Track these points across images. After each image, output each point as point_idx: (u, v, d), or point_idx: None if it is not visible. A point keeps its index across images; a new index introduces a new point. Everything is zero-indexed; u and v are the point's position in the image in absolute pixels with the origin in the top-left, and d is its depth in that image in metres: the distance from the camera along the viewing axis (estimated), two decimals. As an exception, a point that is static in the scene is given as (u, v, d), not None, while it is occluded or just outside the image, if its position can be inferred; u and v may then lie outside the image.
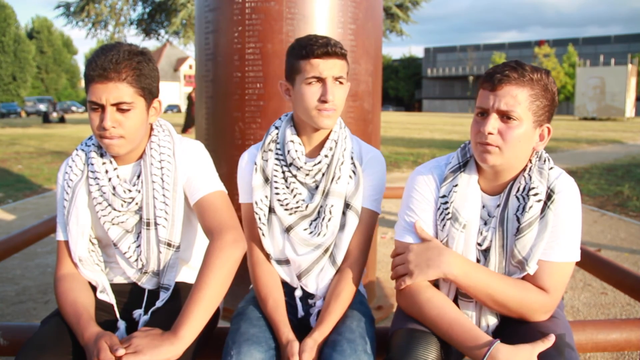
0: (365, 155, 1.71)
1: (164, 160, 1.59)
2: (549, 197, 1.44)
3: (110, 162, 1.59)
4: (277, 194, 1.64)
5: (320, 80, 1.56)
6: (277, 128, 1.71)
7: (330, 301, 1.58)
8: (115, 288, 1.66)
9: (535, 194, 1.44)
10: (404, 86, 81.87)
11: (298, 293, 1.69)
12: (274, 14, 2.75)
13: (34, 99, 46.98)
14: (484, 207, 1.53)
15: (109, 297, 1.61)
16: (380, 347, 1.55)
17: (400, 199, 1.72)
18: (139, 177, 1.59)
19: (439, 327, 1.41)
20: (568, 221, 1.44)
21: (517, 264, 1.46)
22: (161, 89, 1.64)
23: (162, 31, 17.26)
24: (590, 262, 2.51)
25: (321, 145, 1.66)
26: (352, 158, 1.68)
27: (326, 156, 1.63)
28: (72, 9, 15.66)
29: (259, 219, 1.66)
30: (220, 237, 1.48)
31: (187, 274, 1.74)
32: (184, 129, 17.33)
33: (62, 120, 30.07)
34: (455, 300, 1.53)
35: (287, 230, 1.66)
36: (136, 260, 1.60)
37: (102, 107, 1.47)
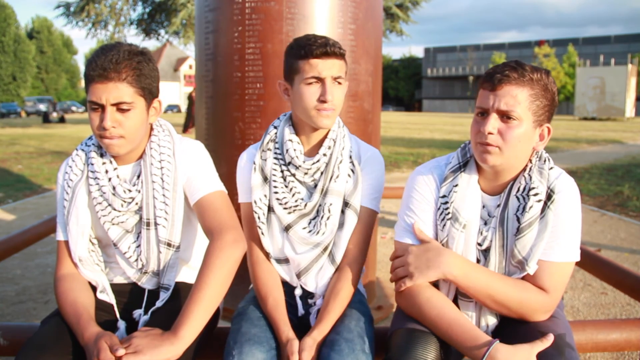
0: (363, 154, 1.72)
1: (164, 160, 1.59)
2: (549, 197, 1.44)
3: (110, 162, 1.59)
4: (276, 192, 1.65)
5: (320, 80, 1.57)
6: (275, 128, 1.72)
7: (329, 300, 1.58)
8: (115, 288, 1.66)
9: (536, 194, 1.44)
10: (404, 86, 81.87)
11: (298, 292, 1.69)
12: (274, 14, 2.75)
13: (34, 99, 46.99)
14: (484, 207, 1.53)
15: (109, 297, 1.61)
16: (379, 347, 1.55)
17: (400, 199, 1.72)
18: (139, 177, 1.59)
19: (438, 327, 1.41)
20: (568, 221, 1.44)
21: (517, 264, 1.46)
22: (161, 89, 1.64)
23: (162, 31, 17.26)
24: (590, 262, 2.51)
25: (319, 144, 1.67)
26: (350, 157, 1.68)
27: (324, 155, 1.64)
28: (72, 9, 15.66)
29: (258, 218, 1.66)
30: (220, 237, 1.48)
31: (187, 274, 1.74)
32: (185, 129, 17.33)
33: (62, 120, 30.07)
34: (455, 301, 1.53)
35: (286, 229, 1.66)
36: (136, 260, 1.60)
37: (102, 107, 1.47)
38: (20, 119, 37.37)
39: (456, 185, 1.52)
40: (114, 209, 1.58)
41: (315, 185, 1.65)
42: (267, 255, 1.70)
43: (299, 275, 1.67)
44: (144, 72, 1.50)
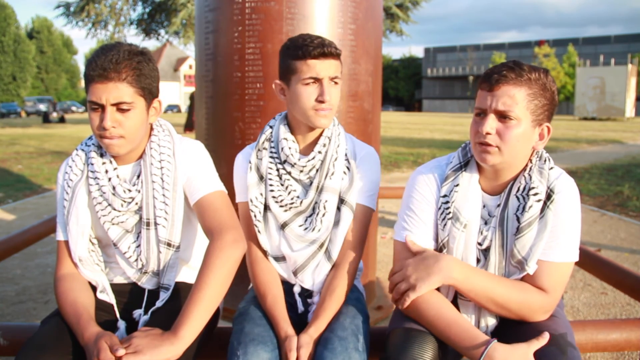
0: (359, 152, 1.73)
1: (163, 160, 1.59)
2: (548, 197, 1.44)
3: (110, 162, 1.59)
4: (272, 191, 1.66)
5: (317, 80, 1.58)
6: (271, 127, 1.74)
7: (325, 297, 1.59)
8: (115, 288, 1.66)
9: (535, 194, 1.44)
10: (404, 86, 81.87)
11: (297, 289, 1.71)
12: (274, 14, 2.75)
13: (34, 99, 46.99)
14: (484, 206, 1.53)
15: (109, 297, 1.61)
16: (378, 347, 1.55)
17: (400, 199, 1.72)
18: (138, 177, 1.60)
19: (436, 327, 1.41)
20: (567, 221, 1.44)
21: (517, 264, 1.46)
22: (161, 89, 1.64)
23: (162, 31, 17.25)
24: (590, 262, 2.51)
25: (315, 142, 1.68)
26: (346, 155, 1.69)
27: (319, 152, 1.65)
28: (72, 9, 15.65)
29: (255, 216, 1.68)
30: (220, 237, 1.48)
31: (187, 274, 1.74)
32: (185, 129, 17.34)
33: (62, 120, 30.07)
34: (455, 302, 1.53)
35: (283, 227, 1.67)
36: (136, 260, 1.60)
37: (102, 107, 1.47)
38: (20, 119, 37.37)
39: (457, 185, 1.52)
40: (114, 209, 1.58)
41: (311, 183, 1.66)
42: (265, 253, 1.71)
43: (295, 273, 1.68)
44: (144, 72, 1.50)
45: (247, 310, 1.63)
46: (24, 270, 4.27)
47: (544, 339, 1.34)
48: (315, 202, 1.66)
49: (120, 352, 1.29)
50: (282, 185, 1.67)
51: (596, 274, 2.50)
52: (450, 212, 1.51)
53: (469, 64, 71.84)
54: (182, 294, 1.65)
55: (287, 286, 1.72)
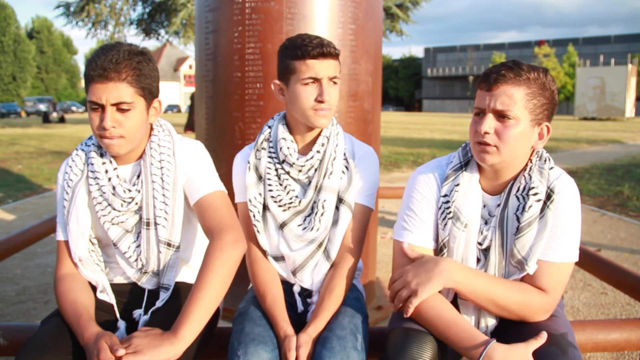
0: (357, 151, 1.73)
1: (163, 160, 1.59)
2: (548, 197, 1.44)
3: (110, 162, 1.59)
4: (271, 190, 1.66)
5: (316, 80, 1.58)
6: (269, 127, 1.74)
7: (324, 296, 1.59)
8: (115, 288, 1.66)
9: (535, 194, 1.44)
10: (404, 86, 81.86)
11: (296, 289, 1.71)
12: (274, 14, 2.75)
13: (34, 99, 46.99)
14: (484, 206, 1.53)
15: (109, 297, 1.61)
16: (378, 347, 1.55)
17: (400, 199, 1.72)
18: (138, 177, 1.60)
19: (435, 327, 1.40)
20: (567, 221, 1.44)
21: (517, 264, 1.46)
22: (161, 89, 1.64)
23: (162, 31, 17.25)
24: (590, 262, 2.51)
25: (313, 142, 1.69)
26: (344, 154, 1.70)
27: (318, 152, 1.65)
28: (72, 9, 15.65)
29: (254, 216, 1.68)
30: (220, 237, 1.48)
31: (187, 274, 1.74)
32: (186, 129, 17.34)
33: (62, 120, 30.08)
34: (455, 302, 1.53)
35: (281, 226, 1.67)
36: (136, 260, 1.60)
37: (102, 107, 1.47)
38: (20, 119, 37.38)
39: (457, 185, 1.52)
40: (114, 209, 1.58)
41: (310, 183, 1.66)
42: (264, 253, 1.72)
43: (294, 272, 1.69)
44: (144, 72, 1.50)
45: (247, 310, 1.63)
46: (24, 270, 4.27)
47: (542, 339, 1.34)
48: (314, 202, 1.66)
49: (120, 352, 1.29)
50: (280, 185, 1.67)
51: (596, 274, 2.50)
52: (450, 212, 1.51)
53: (469, 64, 71.84)
54: (182, 294, 1.65)
55: (287, 286, 1.72)
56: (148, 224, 1.58)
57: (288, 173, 1.67)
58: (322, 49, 1.56)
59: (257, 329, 1.52)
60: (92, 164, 1.59)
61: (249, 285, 1.78)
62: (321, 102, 1.58)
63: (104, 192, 1.57)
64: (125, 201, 1.57)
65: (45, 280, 4.02)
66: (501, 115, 1.41)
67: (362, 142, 1.80)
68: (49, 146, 15.13)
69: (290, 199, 1.65)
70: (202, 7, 3.04)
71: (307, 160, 1.64)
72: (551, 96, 1.44)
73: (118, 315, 1.60)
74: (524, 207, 1.45)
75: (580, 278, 4.10)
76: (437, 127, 26.65)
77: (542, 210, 1.44)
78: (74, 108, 51.67)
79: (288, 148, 1.65)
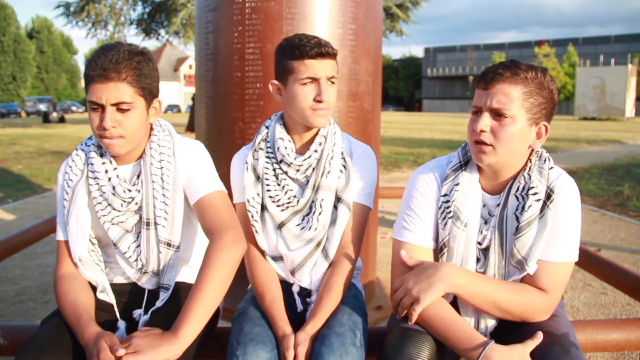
0: (355, 150, 1.74)
1: (163, 160, 1.59)
2: (548, 196, 1.44)
3: (110, 161, 1.59)
4: (269, 190, 1.67)
5: (314, 80, 1.58)
6: (267, 127, 1.74)
7: (323, 295, 1.59)
8: (115, 288, 1.66)
9: (535, 194, 1.44)
10: (404, 86, 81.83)
11: (295, 288, 1.71)
12: (274, 14, 2.75)
13: (34, 99, 47.00)
14: (484, 206, 1.53)
15: (109, 297, 1.61)
16: (377, 346, 1.55)
17: (400, 198, 1.72)
18: (138, 176, 1.60)
19: (434, 328, 1.40)
20: (567, 221, 1.44)
21: (517, 264, 1.46)
22: (161, 89, 1.64)
23: (162, 31, 17.23)
24: (590, 262, 2.51)
25: (311, 141, 1.69)
26: (342, 153, 1.70)
27: (315, 151, 1.66)
28: (72, 8, 15.63)
29: (252, 216, 1.68)
30: (220, 237, 1.48)
31: (187, 274, 1.74)
32: (188, 129, 17.37)
33: (62, 120, 30.08)
34: (455, 302, 1.53)
35: (280, 226, 1.68)
36: (136, 260, 1.60)
37: (102, 107, 1.47)
38: (20, 119, 37.37)
39: (457, 184, 1.52)
40: (114, 209, 1.58)
41: (307, 182, 1.67)
42: (263, 253, 1.72)
43: (293, 272, 1.69)
44: (144, 72, 1.50)
45: (246, 310, 1.64)
46: (24, 270, 4.27)
47: (538, 339, 1.34)
48: (312, 201, 1.66)
49: (120, 352, 1.29)
50: (278, 185, 1.68)
51: (596, 274, 2.50)
52: (450, 212, 1.51)
53: (469, 64, 71.81)
54: (182, 294, 1.65)
55: (286, 285, 1.73)
56: (148, 224, 1.58)
57: (286, 173, 1.67)
58: (320, 49, 1.56)
59: (256, 329, 1.53)
60: (92, 164, 1.59)
61: (248, 285, 1.78)
62: (320, 101, 1.58)
63: (103, 192, 1.57)
64: (125, 201, 1.57)
65: (45, 280, 4.02)
66: (497, 114, 1.41)
67: (361, 141, 1.81)
68: (49, 146, 15.13)
69: (289, 198, 1.66)
70: (202, 7, 3.04)
71: (305, 159, 1.64)
72: (549, 96, 1.44)
73: (118, 315, 1.60)
74: (523, 207, 1.45)
75: (580, 278, 4.10)
76: (437, 127, 26.66)
77: (542, 210, 1.44)
78: (74, 108, 51.69)
79: (286, 148, 1.65)
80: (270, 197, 1.67)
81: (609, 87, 39.23)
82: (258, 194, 1.69)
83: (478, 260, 1.51)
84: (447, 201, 1.52)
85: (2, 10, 49.47)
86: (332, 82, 1.62)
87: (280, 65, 1.64)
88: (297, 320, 1.62)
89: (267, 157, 1.69)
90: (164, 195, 1.57)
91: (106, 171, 1.58)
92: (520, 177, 1.48)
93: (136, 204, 1.58)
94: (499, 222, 1.48)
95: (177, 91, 66.48)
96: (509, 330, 1.47)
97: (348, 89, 2.91)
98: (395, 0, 16.93)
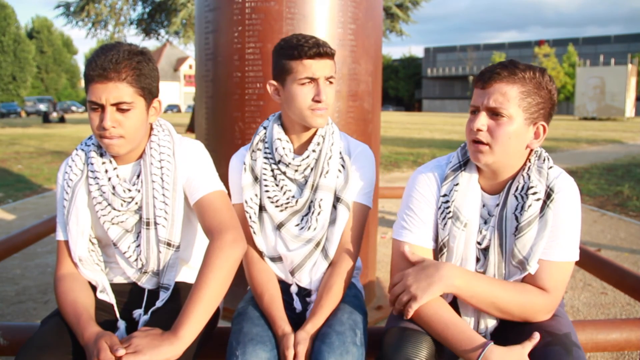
0: (353, 150, 1.74)
1: (163, 160, 1.59)
2: (548, 196, 1.44)
3: (110, 161, 1.59)
4: (267, 191, 1.67)
5: (313, 80, 1.58)
6: (265, 128, 1.74)
7: (322, 294, 1.59)
8: (115, 288, 1.66)
9: (534, 193, 1.44)
10: (404, 86, 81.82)
11: (294, 289, 1.71)
12: (274, 14, 2.75)
13: (34, 99, 47.01)
14: (484, 206, 1.53)
15: (109, 297, 1.61)
16: (376, 346, 1.55)
17: (400, 198, 1.72)
18: (138, 176, 1.60)
19: (433, 329, 1.40)
20: (568, 220, 1.44)
21: (518, 264, 1.45)
22: (161, 89, 1.64)
23: (162, 31, 17.23)
24: (590, 262, 2.51)
25: (309, 141, 1.69)
26: (340, 153, 1.70)
27: (314, 151, 1.66)
28: (72, 8, 15.63)
29: (250, 217, 1.68)
30: (220, 237, 1.48)
31: (187, 274, 1.74)
32: (189, 129, 17.39)
33: (62, 120, 30.09)
34: (455, 302, 1.53)
35: (279, 227, 1.68)
36: (136, 260, 1.60)
37: (102, 107, 1.47)
38: (20, 119, 37.37)
39: (457, 184, 1.52)
40: (114, 209, 1.58)
41: (306, 182, 1.67)
42: (261, 254, 1.72)
43: (292, 272, 1.69)
44: (143, 72, 1.50)
45: (245, 310, 1.64)
46: (24, 270, 4.27)
47: (535, 339, 1.35)
48: (311, 201, 1.66)
49: (120, 352, 1.29)
50: (277, 185, 1.67)
51: (596, 274, 2.50)
52: (450, 212, 1.51)
53: (469, 64, 71.80)
54: (182, 294, 1.66)
55: (285, 285, 1.73)
56: (148, 224, 1.58)
57: (284, 173, 1.67)
58: (318, 49, 1.56)
59: (255, 328, 1.53)
60: (92, 164, 1.59)
61: (248, 285, 1.78)
62: (318, 101, 1.58)
63: (103, 192, 1.57)
64: (125, 201, 1.57)
65: (45, 280, 4.02)
66: (494, 113, 1.41)
67: (361, 141, 1.81)
68: (49, 146, 15.13)
69: (287, 199, 1.66)
70: (202, 7, 3.04)
71: (303, 159, 1.64)
72: (548, 96, 1.44)
73: (118, 315, 1.60)
74: (522, 207, 1.45)
75: (580, 278, 4.10)
76: (437, 127, 26.65)
77: (542, 209, 1.44)
78: (74, 108, 51.70)
79: (284, 148, 1.65)
80: (269, 197, 1.66)
81: (609, 87, 39.23)
82: (256, 195, 1.69)
83: (478, 260, 1.51)
84: (447, 201, 1.52)
85: (2, 10, 49.46)
86: (331, 82, 1.62)
87: (278, 66, 1.64)
88: (297, 320, 1.62)
89: (265, 157, 1.69)
90: (164, 195, 1.57)
91: (106, 171, 1.58)
92: (520, 177, 1.48)
93: (136, 203, 1.58)
94: (499, 222, 1.48)
95: (177, 91, 66.49)
96: (510, 330, 1.47)
97: (348, 89, 2.91)
98: (395, 0, 16.92)
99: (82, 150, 1.64)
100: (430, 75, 76.43)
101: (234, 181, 1.75)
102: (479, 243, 1.50)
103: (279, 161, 1.67)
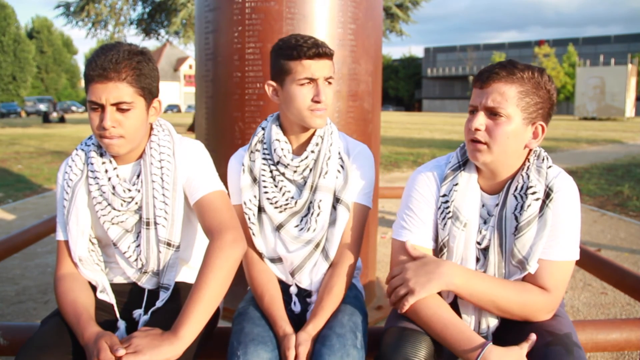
0: (352, 150, 1.73)
1: (163, 159, 1.59)
2: (547, 195, 1.44)
3: (110, 161, 1.59)
4: (266, 192, 1.66)
5: (312, 80, 1.58)
6: (263, 129, 1.74)
7: (323, 295, 1.59)
8: (115, 288, 1.66)
9: (533, 193, 1.44)
10: (404, 86, 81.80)
11: (293, 290, 1.71)
12: (274, 14, 2.75)
13: (34, 99, 47.01)
14: (483, 206, 1.54)
15: (109, 297, 1.61)
16: (376, 346, 1.55)
17: (400, 198, 1.72)
18: (138, 176, 1.60)
19: (432, 329, 1.40)
20: (567, 220, 1.44)
21: (518, 264, 1.46)
22: (161, 89, 1.64)
23: (162, 31, 17.23)
24: (590, 262, 2.51)
25: (307, 142, 1.69)
26: (339, 153, 1.69)
27: (312, 152, 1.65)
28: (72, 8, 15.63)
29: (249, 218, 1.68)
30: (220, 237, 1.48)
31: (187, 274, 1.74)
32: (190, 129, 17.43)
33: (62, 120, 30.09)
34: (455, 302, 1.53)
35: (278, 228, 1.67)
36: (136, 260, 1.60)
37: (102, 107, 1.47)
38: (20, 119, 37.36)
39: (456, 184, 1.52)
40: (114, 209, 1.58)
41: (305, 183, 1.66)
42: (260, 255, 1.71)
43: (292, 273, 1.68)
44: (143, 72, 1.50)
45: (246, 310, 1.64)
46: (24, 270, 4.27)
47: (532, 340, 1.35)
48: (310, 202, 1.66)
49: (120, 352, 1.29)
50: (276, 186, 1.67)
51: (596, 274, 2.50)
52: (450, 212, 1.51)
53: (469, 64, 71.78)
54: (182, 294, 1.66)
55: (285, 286, 1.72)
56: (148, 224, 1.58)
57: (283, 174, 1.67)
58: (317, 49, 1.56)
59: (256, 329, 1.53)
60: (91, 164, 1.59)
61: (248, 285, 1.78)
62: (317, 102, 1.58)
63: (103, 192, 1.57)
64: (125, 201, 1.57)
65: (45, 280, 4.02)
66: (493, 113, 1.42)
67: (361, 141, 1.80)
68: (49, 146, 15.13)
69: (286, 200, 1.65)
70: (202, 7, 3.04)
71: (302, 160, 1.64)
72: (547, 96, 1.44)
73: (118, 315, 1.60)
74: (522, 207, 1.45)
75: (580, 278, 4.10)
76: (437, 127, 26.65)
77: (542, 209, 1.44)
78: (74, 108, 51.70)
79: (282, 149, 1.65)
80: (268, 198, 1.66)
81: (609, 87, 39.23)
82: (255, 196, 1.69)
83: (478, 260, 1.51)
84: (447, 201, 1.52)
85: (2, 10, 49.46)
86: (329, 83, 1.62)
87: (277, 66, 1.63)
88: (297, 321, 1.62)
89: (264, 158, 1.69)
90: (163, 195, 1.57)
91: (106, 171, 1.58)
92: (519, 177, 1.48)
93: (136, 203, 1.58)
94: (498, 222, 1.48)
95: (177, 91, 66.48)
96: (511, 330, 1.47)
97: (348, 89, 2.91)
98: (395, 0, 16.93)
99: (82, 150, 1.64)
100: (430, 75, 76.42)
101: (233, 182, 1.75)
102: (478, 243, 1.51)
103: (278, 162, 1.66)
